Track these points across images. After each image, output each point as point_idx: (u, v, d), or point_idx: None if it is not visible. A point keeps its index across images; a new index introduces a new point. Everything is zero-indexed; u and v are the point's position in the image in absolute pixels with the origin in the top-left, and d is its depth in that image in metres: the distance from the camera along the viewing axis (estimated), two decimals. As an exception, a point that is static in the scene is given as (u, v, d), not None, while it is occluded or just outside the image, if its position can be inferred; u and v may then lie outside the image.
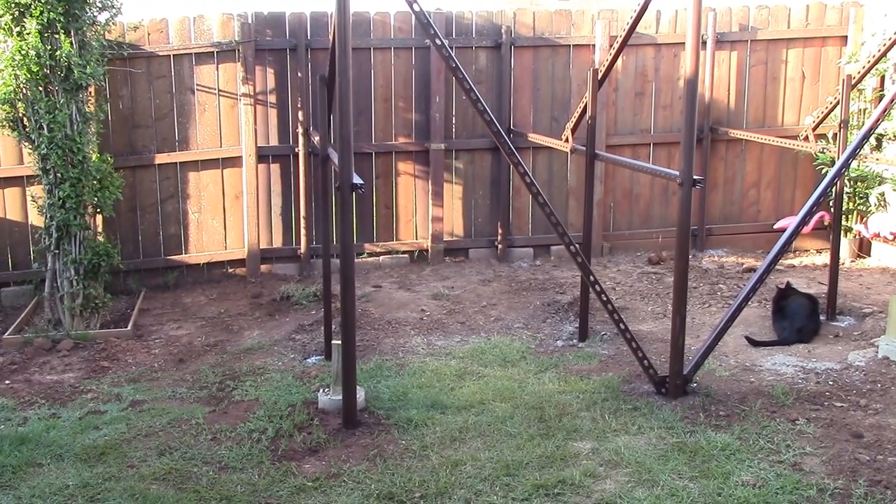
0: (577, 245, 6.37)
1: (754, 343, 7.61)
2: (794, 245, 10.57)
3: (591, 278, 6.30)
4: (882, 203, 10.18)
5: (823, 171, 10.54)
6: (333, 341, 6.26)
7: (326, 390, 6.31)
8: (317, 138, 8.71)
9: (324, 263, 7.44)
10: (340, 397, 6.05)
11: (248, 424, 6.02)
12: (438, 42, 5.88)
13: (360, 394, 6.17)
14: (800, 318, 7.74)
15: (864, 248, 10.36)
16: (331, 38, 6.93)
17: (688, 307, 8.60)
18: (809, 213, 6.54)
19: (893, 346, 7.07)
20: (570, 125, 8.22)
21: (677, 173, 6.19)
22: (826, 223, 10.36)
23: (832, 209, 9.20)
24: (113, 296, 8.92)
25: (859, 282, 9.35)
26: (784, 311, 7.83)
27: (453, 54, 9.94)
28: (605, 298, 6.35)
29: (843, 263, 9.87)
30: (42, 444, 5.82)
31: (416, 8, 5.76)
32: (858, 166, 10.07)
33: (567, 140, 8.28)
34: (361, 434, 5.82)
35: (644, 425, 5.90)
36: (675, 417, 6.00)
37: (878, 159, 9.48)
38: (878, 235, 10.10)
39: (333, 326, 7.44)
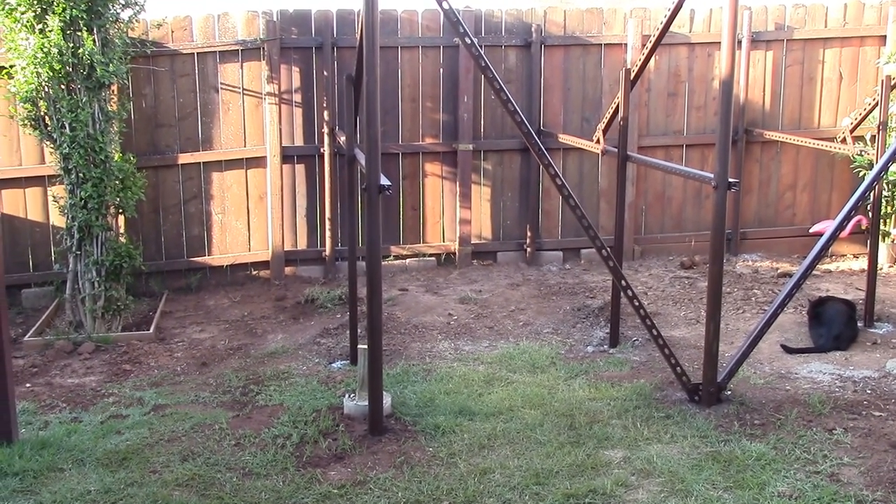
0: (608, 249, 6.19)
1: (790, 350, 7.39)
2: (830, 250, 10.38)
3: (623, 283, 6.12)
4: (921, 207, 9.93)
5: (861, 174, 10.31)
6: (359, 346, 6.11)
7: (352, 396, 6.16)
8: (343, 138, 8.59)
9: (349, 266, 7.29)
10: (366, 403, 5.90)
11: (273, 430, 5.88)
12: (468, 41, 5.72)
13: (387, 399, 6.02)
14: (837, 325, 7.51)
15: (904, 253, 10.12)
16: (358, 36, 6.79)
17: (721, 313, 8.43)
18: (847, 218, 6.34)
19: (935, 354, 6.85)
20: (601, 126, 8.05)
21: (711, 176, 6.00)
22: (863, 227, 10.12)
23: (870, 213, 8.96)
24: (134, 298, 8.81)
25: (898, 288, 9.11)
26: (821, 318, 7.61)
27: (482, 53, 9.88)
28: (637, 304, 6.16)
29: (880, 269, 9.63)
30: (63, 448, 5.71)
31: (445, 6, 5.60)
32: (897, 169, 9.82)
33: (598, 141, 8.11)
34: (388, 441, 5.67)
35: (677, 434, 5.72)
36: (708, 426, 5.81)
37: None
38: (917, 240, 9.85)
39: (359, 330, 7.30)
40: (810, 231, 10.39)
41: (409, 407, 6.20)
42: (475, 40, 9.66)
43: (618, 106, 7.61)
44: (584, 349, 7.63)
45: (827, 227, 10.00)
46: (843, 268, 10.19)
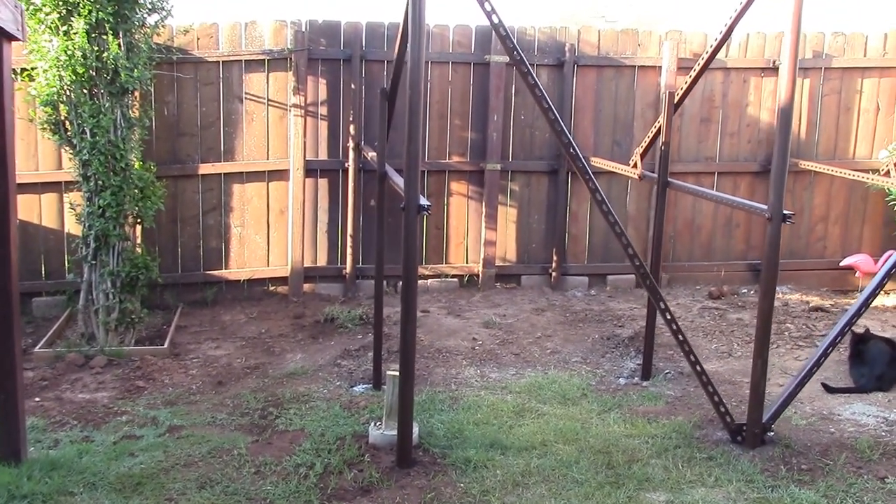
0: (652, 279, 5.92)
1: (830, 390, 7.10)
2: (860, 284, 10.15)
3: (668, 316, 5.82)
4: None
5: (896, 207, 10.06)
6: (388, 371, 5.83)
7: (378, 424, 5.88)
8: (371, 154, 8.35)
9: (376, 285, 7.03)
10: (393, 433, 5.62)
11: (295, 458, 5.60)
12: (517, 56, 5.45)
13: (414, 430, 5.73)
14: (879, 365, 7.22)
15: (938, 290, 9.83)
16: (396, 49, 6.55)
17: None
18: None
19: (985, 399, 6.56)
20: (639, 150, 7.80)
21: (765, 207, 5.74)
22: (896, 263, 9.85)
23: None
24: (148, 311, 8.54)
25: (937, 327, 8.82)
26: (862, 357, 7.31)
27: (513, 73, 9.66)
28: (681, 338, 5.87)
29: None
30: (74, 470, 5.42)
31: (494, 20, 5.35)
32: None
33: (635, 165, 7.85)
34: (416, 474, 5.38)
35: (721, 477, 5.43)
36: (754, 469, 5.52)
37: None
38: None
39: (383, 353, 7.03)
40: (841, 264, 10.13)
41: (438, 438, 5.92)
42: (507, 59, 9.49)
43: (658, 130, 7.37)
44: (616, 381, 7.34)
45: (858, 261, 9.79)
46: (876, 304, 9.90)
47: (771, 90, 10.04)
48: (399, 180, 6.28)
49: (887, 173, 9.22)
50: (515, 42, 9.51)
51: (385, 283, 9.45)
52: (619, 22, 16.88)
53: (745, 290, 10.16)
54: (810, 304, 9.53)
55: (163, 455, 5.71)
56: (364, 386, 7.11)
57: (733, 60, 9.91)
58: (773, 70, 9.97)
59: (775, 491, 5.25)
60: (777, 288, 10.02)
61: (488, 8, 5.33)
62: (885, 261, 9.54)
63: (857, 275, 10.10)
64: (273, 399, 6.77)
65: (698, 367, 5.90)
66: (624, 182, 9.93)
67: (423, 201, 5.29)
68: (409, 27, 5.11)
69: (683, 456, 5.71)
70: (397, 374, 5.62)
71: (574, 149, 5.62)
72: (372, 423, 5.93)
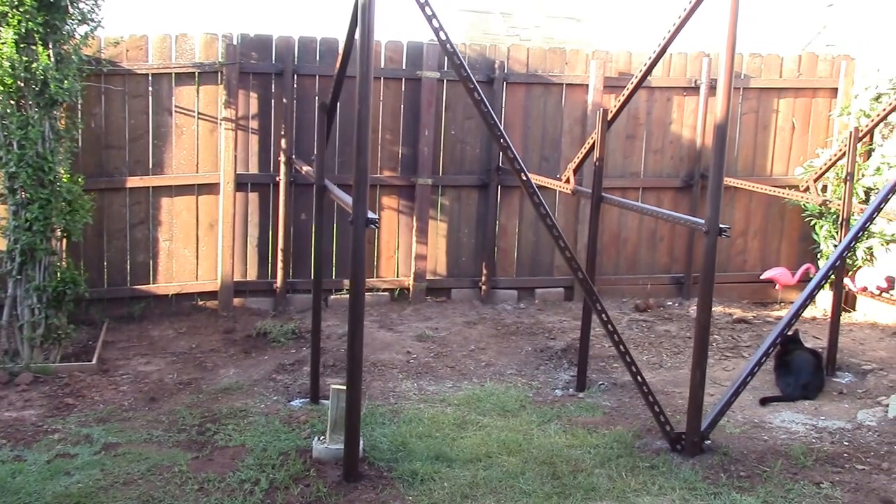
0: (595, 292, 6.04)
1: (761, 401, 7.31)
2: (779, 297, 10.48)
3: (611, 328, 5.95)
4: (869, 257, 10.03)
5: (812, 222, 10.41)
6: (332, 385, 5.82)
7: (321, 438, 5.85)
8: (305, 168, 8.32)
9: (314, 299, 6.99)
10: (338, 447, 5.62)
11: (238, 474, 5.53)
12: (465, 73, 5.52)
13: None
14: (805, 374, 7.47)
15: (849, 301, 10.17)
16: (337, 63, 6.56)
17: (685, 358, 8.40)
18: (833, 266, 6.31)
19: (905, 406, 6.85)
20: (572, 165, 7.94)
21: (702, 222, 5.92)
22: (811, 275, 10.20)
23: (818, 263, 9.06)
24: (74, 326, 8.33)
25: (851, 336, 9.13)
26: (789, 367, 7.55)
27: (444, 88, 9.74)
28: (623, 349, 6.00)
29: (828, 317, 9.64)
30: (8, 490, 5.28)
31: (442, 36, 5.41)
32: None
33: (568, 181, 7.98)
34: (364, 488, 5.37)
35: (665, 485, 5.55)
36: (695, 477, 5.67)
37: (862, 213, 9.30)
38: (865, 290, 9.95)
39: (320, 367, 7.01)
40: (761, 278, 10.44)
41: (382, 451, 5.92)
42: (438, 74, 9.57)
43: (591, 146, 7.52)
44: (552, 392, 7.44)
45: (777, 274, 10.12)
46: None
47: (692, 108, 10.32)
48: (340, 194, 6.30)
49: (806, 189, 9.55)
50: (447, 59, 9.64)
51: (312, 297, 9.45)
52: (532, 41, 17.16)
53: (671, 303, 10.39)
54: (734, 317, 9.80)
55: (100, 473, 5.58)
56: (302, 400, 7.07)
57: (657, 79, 10.15)
58: (695, 89, 10.25)
59: (718, 498, 5.40)
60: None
61: (436, 25, 5.38)
62: (803, 273, 9.92)
63: (776, 287, 10.43)
64: (210, 415, 6.67)
65: (639, 378, 6.03)
66: (552, 197, 10.07)
67: (371, 215, 5.30)
68: (358, 41, 5.13)
69: (626, 465, 5.82)
70: (342, 387, 5.63)
71: (519, 163, 5.71)
72: (315, 438, 5.90)
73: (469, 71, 5.52)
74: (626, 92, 7.08)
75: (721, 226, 5.79)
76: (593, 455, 5.97)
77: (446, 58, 9.54)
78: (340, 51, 9.20)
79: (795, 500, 5.40)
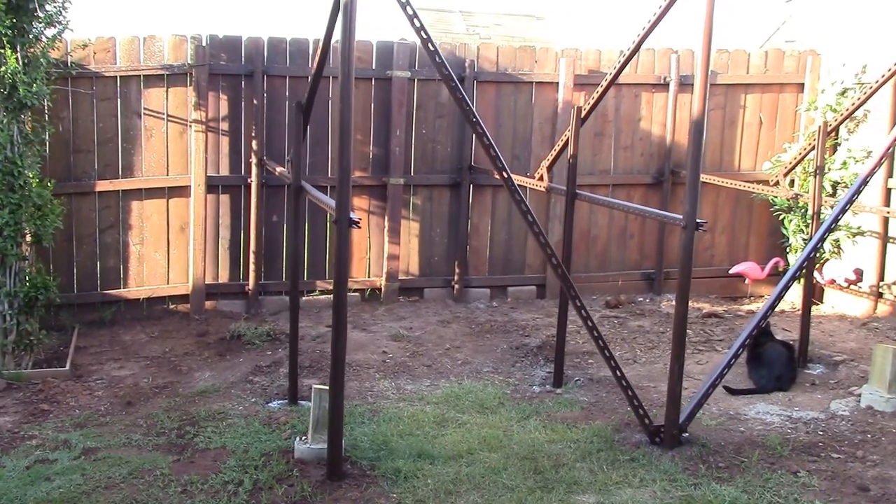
0: (575, 288, 6.10)
1: (733, 391, 7.41)
2: (749, 291, 10.60)
3: (590, 323, 6.02)
4: (836, 250, 10.18)
5: (780, 217, 10.53)
6: (314, 385, 5.81)
7: (303, 438, 5.83)
8: (279, 169, 8.30)
9: (291, 299, 6.98)
10: (320, 446, 5.62)
11: (221, 475, 5.51)
12: (446, 72, 5.56)
13: (342, 442, 5.73)
14: (778, 366, 7.58)
15: (817, 294, 10.31)
16: (314, 63, 6.56)
17: (658, 353, 8.48)
18: (807, 259, 6.41)
19: (877, 395, 6.96)
20: (545, 163, 7.98)
21: (680, 217, 5.98)
22: (780, 269, 10.35)
23: (787, 256, 9.17)
24: (46, 332, 8.25)
25: (820, 329, 9.27)
26: (761, 359, 7.65)
27: (415, 88, 9.75)
28: (602, 344, 6.06)
29: (797, 309, 9.79)
30: (-11, 497, 5.22)
31: (423, 35, 5.43)
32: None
33: (542, 178, 8.03)
34: (348, 487, 5.37)
35: (646, 477, 5.60)
36: (675, 469, 5.72)
37: (831, 206, 9.44)
38: (832, 282, 10.09)
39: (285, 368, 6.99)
40: (730, 272, 10.56)
41: (363, 450, 5.91)
42: (408, 74, 9.58)
43: (564, 143, 7.57)
44: (530, 389, 7.48)
45: (746, 268, 10.25)
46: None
47: (661, 105, 10.41)
48: (319, 195, 6.31)
49: (776, 183, 9.68)
50: (417, 58, 9.68)
51: (289, 298, 9.41)
52: (492, 39, 17.22)
53: (642, 299, 10.48)
54: (704, 311, 9.91)
55: (81, 478, 5.54)
56: (280, 402, 7.04)
57: (625, 76, 10.21)
58: (664, 86, 10.35)
59: (698, 488, 5.45)
60: (670, 296, 10.45)
61: (418, 24, 5.40)
62: (772, 267, 10.05)
63: (745, 282, 10.56)
64: (188, 418, 6.64)
65: (618, 372, 6.09)
66: (523, 195, 10.09)
67: (353, 216, 5.31)
68: (341, 41, 5.14)
69: (607, 459, 5.87)
70: (324, 387, 5.62)
71: (501, 162, 5.76)
72: (297, 438, 5.89)
73: (451, 70, 5.53)
74: (599, 90, 7.15)
75: (698, 220, 5.85)
76: (574, 449, 6.01)
77: (418, 57, 9.66)
78: (311, 51, 9.30)
79: (774, 489, 5.46)
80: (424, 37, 5.42)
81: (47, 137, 8.47)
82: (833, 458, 5.99)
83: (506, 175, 5.73)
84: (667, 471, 5.69)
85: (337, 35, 5.74)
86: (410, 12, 5.44)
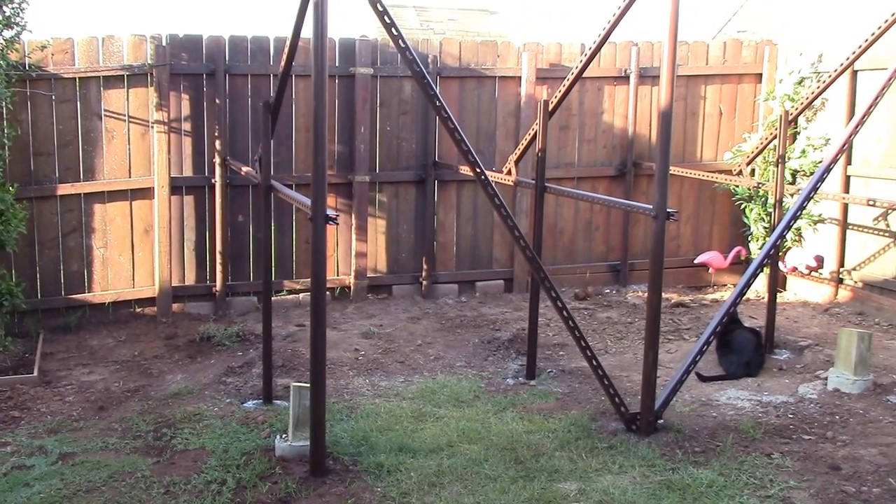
0: (550, 280, 6.15)
1: (703, 378, 7.51)
2: (713, 280, 10.74)
3: (566, 313, 6.07)
4: (798, 238, 10.35)
5: (742, 206, 10.68)
6: (293, 383, 5.80)
7: (284, 436, 5.82)
8: (245, 169, 8.26)
9: (264, 299, 6.93)
10: (301, 443, 5.62)
11: (204, 475, 5.48)
12: (418, 69, 5.57)
13: (323, 439, 5.72)
14: (747, 353, 7.70)
15: (780, 282, 10.47)
16: (282, 62, 6.54)
17: (628, 343, 8.57)
18: (774, 247, 6.52)
19: (843, 378, 7.11)
20: (513, 157, 8.03)
21: (650, 207, 6.05)
22: (743, 258, 10.51)
23: (749, 245, 9.28)
24: (11, 339, 8.14)
25: (785, 315, 9.42)
26: (731, 346, 7.76)
27: (378, 85, 9.75)
28: (578, 334, 6.13)
29: (762, 297, 9.95)
30: (-34, 505, 5.14)
31: (394, 32, 5.44)
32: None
33: (510, 172, 8.07)
34: (332, 482, 5.37)
35: (625, 464, 5.68)
36: (653, 454, 5.81)
37: (792, 194, 9.60)
38: (794, 270, 10.26)
39: (258, 367, 6.97)
40: (695, 262, 10.69)
41: (344, 446, 5.92)
42: (371, 70, 9.58)
43: (532, 137, 7.62)
44: (504, 381, 7.52)
45: (710, 258, 10.38)
46: (727, 297, 10.49)
47: (623, 98, 10.51)
48: (291, 193, 6.31)
49: (739, 173, 9.81)
50: (380, 55, 9.67)
51: (257, 299, 9.38)
52: (446, 34, 17.28)
53: (608, 290, 10.57)
54: (671, 301, 10.01)
55: (61, 483, 5.48)
56: (255, 401, 7.01)
57: (588, 69, 10.25)
58: (625, 79, 10.45)
59: (676, 473, 5.54)
60: (636, 286, 10.59)
61: (388, 21, 5.41)
62: (734, 256, 10.20)
63: (709, 271, 10.69)
64: (163, 420, 6.58)
65: (594, 361, 6.15)
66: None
67: (330, 212, 5.31)
68: (312, 38, 5.12)
69: (585, 447, 5.93)
70: (304, 385, 5.63)
71: (473, 156, 5.78)
72: (278, 436, 5.87)
73: (422, 67, 5.55)
74: (566, 83, 7.25)
75: (669, 210, 5.93)
76: (552, 439, 6.07)
77: (380, 54, 9.65)
78: (273, 50, 9.25)
79: (749, 471, 5.57)
80: (395, 34, 5.43)
81: (7, 141, 8.35)
82: (804, 439, 6.11)
83: (479, 170, 5.75)
84: (645, 457, 5.77)
85: (305, 32, 5.74)
86: (381, 8, 5.44)
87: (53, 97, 8.72)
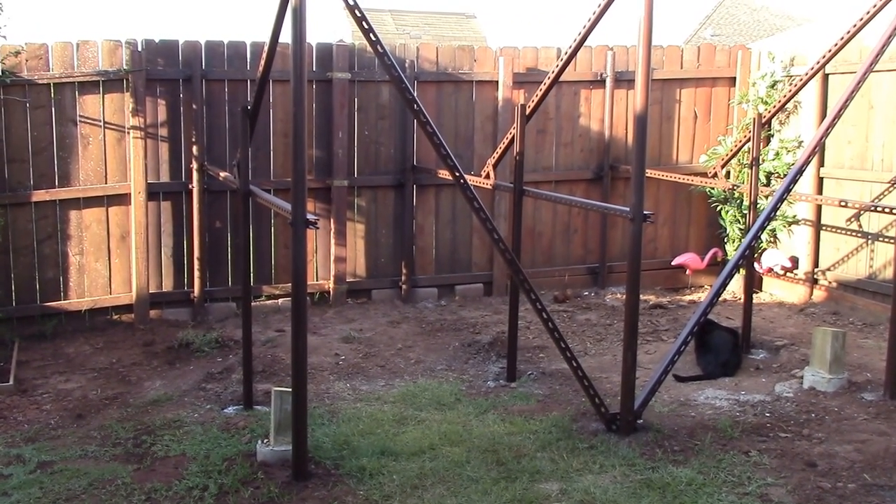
0: (530, 283, 6.19)
1: (681, 378, 7.57)
2: (690, 281, 10.82)
3: (545, 315, 6.11)
4: (773, 239, 10.45)
5: (718, 208, 10.77)
6: (274, 388, 5.80)
7: (265, 441, 5.81)
8: (223, 174, 8.24)
9: (244, 304, 6.93)
10: (283, 448, 5.62)
11: (185, 482, 5.47)
12: (396, 74, 5.59)
13: (304, 443, 5.72)
14: (724, 353, 7.77)
15: (755, 283, 10.56)
16: (261, 67, 6.54)
17: (607, 344, 8.61)
18: (749, 248, 6.59)
19: (819, 376, 7.19)
20: (492, 161, 8.06)
21: (627, 210, 6.10)
22: (719, 259, 10.59)
23: (725, 246, 9.34)
24: (-14, 347, 8.10)
25: (761, 316, 9.50)
26: (708, 346, 7.83)
27: (356, 89, 9.76)
28: (557, 336, 6.16)
29: (738, 298, 10.03)
30: (-55, 514, 5.10)
31: (372, 37, 5.45)
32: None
33: (488, 176, 8.10)
34: (315, 486, 5.38)
35: (605, 463, 5.72)
36: (633, 454, 5.85)
37: (766, 196, 9.69)
38: (770, 271, 10.36)
39: (238, 373, 6.96)
40: (672, 263, 10.77)
41: (326, 450, 5.91)
42: (349, 75, 9.58)
43: (510, 141, 7.65)
44: (485, 384, 7.55)
45: (687, 259, 10.47)
46: (704, 298, 10.56)
47: (599, 101, 10.57)
48: (271, 198, 6.31)
49: (714, 175, 9.89)
50: (357, 59, 9.68)
51: (235, 304, 9.36)
52: (423, 38, 17.33)
53: (587, 293, 10.62)
54: (649, 303, 10.07)
55: (40, 492, 5.45)
56: (235, 407, 7.00)
57: (565, 74, 10.33)
58: (601, 83, 10.52)
59: (656, 471, 5.58)
60: (614, 288, 10.64)
61: (366, 26, 5.42)
62: (711, 257, 10.28)
63: (687, 272, 10.77)
64: (143, 427, 6.56)
65: (574, 363, 6.19)
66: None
67: (311, 216, 5.32)
68: (291, 43, 5.13)
69: (566, 447, 5.96)
70: (285, 389, 5.63)
71: (452, 160, 5.81)
72: (259, 441, 5.86)
73: (400, 71, 5.57)
74: (543, 87, 7.29)
75: (645, 212, 5.98)
76: (533, 440, 6.10)
77: (357, 59, 9.67)
78: (249, 55, 9.24)
79: (727, 469, 5.63)
80: (373, 39, 5.46)
81: (-18, 148, 8.31)
82: (781, 437, 6.18)
83: (457, 174, 5.78)
84: (625, 456, 5.81)
85: (283, 37, 5.75)
86: (359, 14, 5.46)
87: (28, 103, 8.66)
